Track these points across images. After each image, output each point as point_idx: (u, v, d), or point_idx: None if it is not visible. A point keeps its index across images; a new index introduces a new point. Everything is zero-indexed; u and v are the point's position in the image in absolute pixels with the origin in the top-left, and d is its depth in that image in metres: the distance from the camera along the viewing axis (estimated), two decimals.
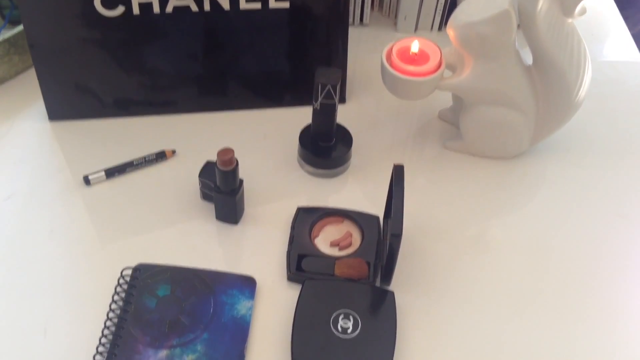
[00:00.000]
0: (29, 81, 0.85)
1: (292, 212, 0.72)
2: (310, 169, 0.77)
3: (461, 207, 0.75)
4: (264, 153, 0.79)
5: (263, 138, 0.81)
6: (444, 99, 0.83)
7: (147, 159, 0.76)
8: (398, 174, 0.63)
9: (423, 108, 0.85)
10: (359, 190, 0.76)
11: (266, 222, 0.72)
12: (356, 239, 0.70)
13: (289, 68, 0.82)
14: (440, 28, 0.97)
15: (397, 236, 0.59)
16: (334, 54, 0.83)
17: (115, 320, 0.62)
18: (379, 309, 0.63)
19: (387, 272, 0.63)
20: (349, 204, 0.73)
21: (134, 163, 0.76)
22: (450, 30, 0.71)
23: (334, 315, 0.62)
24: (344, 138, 0.77)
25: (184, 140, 0.80)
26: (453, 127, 0.83)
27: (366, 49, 0.93)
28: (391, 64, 0.73)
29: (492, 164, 0.79)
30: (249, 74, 0.82)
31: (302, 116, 0.79)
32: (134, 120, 0.82)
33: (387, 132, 0.83)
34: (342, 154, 0.76)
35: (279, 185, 0.76)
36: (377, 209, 0.72)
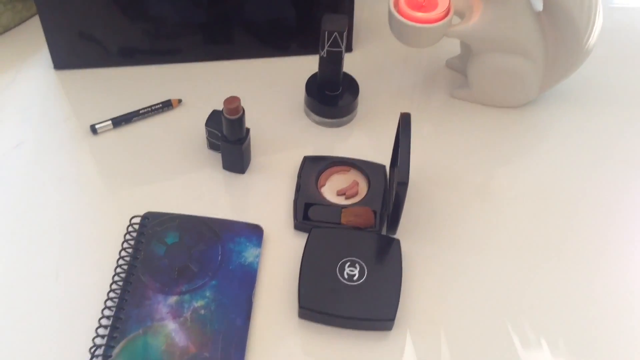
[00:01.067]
0: (33, 29, 0.84)
1: (299, 161, 0.72)
2: (317, 118, 0.77)
3: (468, 155, 0.75)
4: (270, 102, 0.79)
5: (269, 87, 0.80)
6: (452, 47, 0.81)
7: (153, 108, 0.76)
8: (405, 122, 0.63)
9: (431, 56, 0.84)
10: (365, 139, 0.76)
11: (273, 171, 0.72)
12: (363, 188, 0.71)
13: (295, 15, 0.81)
14: None
15: (404, 184, 0.59)
16: (341, 1, 0.81)
17: (125, 266, 0.63)
18: (385, 256, 0.63)
19: (393, 220, 0.64)
20: (356, 153, 0.73)
21: (140, 112, 0.76)
22: None
23: (340, 262, 0.62)
24: (351, 87, 0.77)
25: (189, 89, 0.79)
26: (461, 76, 0.82)
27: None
28: (398, 11, 0.72)
29: (500, 112, 0.78)
30: (254, 21, 0.81)
31: (308, 65, 0.78)
32: (139, 69, 0.81)
33: (394, 81, 0.82)
34: (349, 103, 0.76)
35: (286, 134, 0.76)
36: (384, 158, 0.72)
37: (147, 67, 0.81)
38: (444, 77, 0.82)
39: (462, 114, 0.78)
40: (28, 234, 0.66)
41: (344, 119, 0.77)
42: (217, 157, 0.73)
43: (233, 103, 0.65)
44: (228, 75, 0.81)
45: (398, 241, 0.64)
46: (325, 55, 0.71)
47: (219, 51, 0.83)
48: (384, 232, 0.67)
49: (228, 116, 0.66)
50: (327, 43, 0.70)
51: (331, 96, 0.76)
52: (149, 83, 0.80)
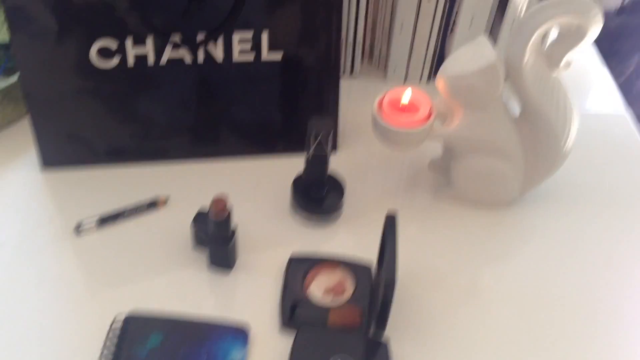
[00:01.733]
0: (22, 131, 0.85)
1: (284, 258, 0.72)
2: (303, 217, 0.77)
3: (453, 255, 0.75)
4: (256, 201, 0.79)
5: (256, 186, 0.81)
6: (435, 148, 0.84)
7: (138, 207, 0.76)
8: (390, 222, 0.64)
9: (414, 157, 0.86)
10: (351, 237, 0.76)
11: (259, 270, 0.72)
12: (349, 286, 0.70)
13: (281, 117, 0.84)
14: (429, 79, 0.99)
15: (391, 285, 0.59)
16: (326, 104, 0.84)
17: None
18: (375, 358, 0.62)
19: (381, 321, 0.63)
20: (342, 251, 0.73)
21: (126, 212, 0.76)
22: (439, 82, 0.72)
23: None
24: (336, 186, 0.78)
25: (176, 188, 0.80)
26: (443, 176, 0.83)
27: (357, 99, 0.94)
28: (382, 115, 0.74)
29: (484, 213, 0.80)
30: (241, 123, 0.83)
31: (294, 164, 0.80)
32: (127, 169, 0.82)
33: (379, 181, 0.84)
34: (334, 203, 0.77)
35: (272, 232, 0.76)
36: (370, 255, 0.72)
37: (135, 167, 0.82)
38: (427, 178, 0.84)
39: (446, 215, 0.79)
40: (6, 337, 0.64)
41: (330, 217, 0.77)
42: (202, 255, 0.72)
43: (220, 205, 0.66)
44: (215, 174, 0.82)
45: (386, 346, 0.63)
46: (310, 158, 0.73)
47: (206, 150, 0.84)
48: (372, 331, 0.66)
49: (215, 217, 0.66)
50: (313, 145, 0.72)
51: (317, 196, 0.77)
52: (136, 182, 0.80)
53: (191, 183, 0.81)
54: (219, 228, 0.67)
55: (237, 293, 0.70)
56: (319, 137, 0.71)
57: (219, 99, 0.81)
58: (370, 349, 0.63)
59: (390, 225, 0.64)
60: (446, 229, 0.78)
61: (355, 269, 0.71)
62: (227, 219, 0.67)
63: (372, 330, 0.66)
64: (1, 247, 0.72)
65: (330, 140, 0.71)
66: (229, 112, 0.82)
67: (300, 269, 0.71)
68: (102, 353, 0.62)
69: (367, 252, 0.72)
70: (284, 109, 0.83)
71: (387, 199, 0.81)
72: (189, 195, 0.79)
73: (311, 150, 0.72)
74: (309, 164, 0.74)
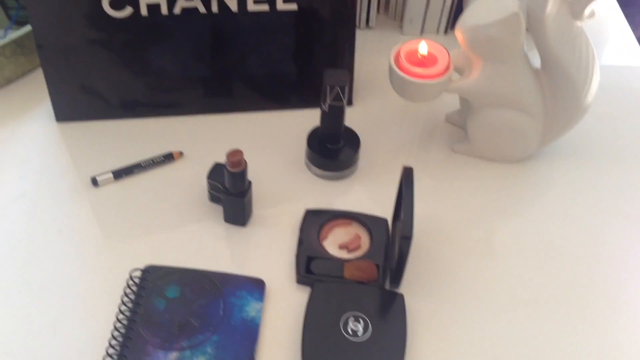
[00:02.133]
0: (36, 82, 0.85)
1: (300, 214, 0.72)
2: (318, 171, 0.77)
3: (468, 210, 0.75)
4: (271, 155, 0.79)
5: (270, 140, 0.81)
6: (451, 102, 0.83)
7: (154, 160, 0.76)
8: (407, 176, 0.63)
9: (430, 111, 0.85)
10: (366, 192, 0.76)
11: (274, 224, 0.72)
12: (365, 242, 0.70)
13: (295, 70, 0.82)
14: (446, 31, 0.97)
15: (407, 239, 0.59)
16: (341, 56, 0.83)
17: (125, 321, 0.61)
18: (389, 311, 0.63)
19: (397, 274, 0.63)
20: (357, 206, 0.73)
21: (142, 164, 0.76)
22: (458, 33, 0.71)
23: (344, 317, 0.62)
24: (352, 140, 0.77)
25: (191, 142, 0.80)
26: (460, 130, 0.83)
27: (372, 51, 0.93)
28: (399, 66, 0.73)
29: (500, 167, 0.79)
30: (255, 75, 0.82)
31: (308, 118, 0.79)
32: (141, 122, 0.82)
33: (394, 135, 0.83)
34: (350, 157, 0.76)
35: (287, 187, 0.76)
36: (385, 211, 0.72)
37: (149, 120, 0.82)
38: (443, 131, 0.83)
39: (462, 168, 0.79)
40: (26, 287, 0.65)
41: (345, 172, 0.77)
42: (218, 209, 0.72)
43: (236, 156, 0.65)
44: (229, 128, 0.82)
45: (402, 296, 0.64)
46: (327, 109, 0.72)
47: (220, 104, 0.83)
48: (387, 286, 0.66)
49: (231, 169, 0.66)
50: (330, 97, 0.71)
51: (332, 149, 0.76)
52: (150, 136, 0.80)
53: (205, 136, 0.80)
54: (235, 180, 0.67)
55: (253, 247, 0.70)
56: (336, 88, 0.69)
57: (233, 50, 0.80)
58: (386, 301, 0.63)
59: (407, 179, 0.63)
60: (462, 183, 0.77)
61: (370, 223, 0.71)
62: (244, 171, 0.66)
63: (387, 284, 0.67)
64: (20, 198, 0.73)
65: (346, 91, 0.70)
66: (243, 64, 0.81)
67: (315, 223, 0.71)
68: (121, 303, 0.63)
69: (383, 206, 0.72)
70: (299, 61, 0.82)
71: (403, 153, 0.81)
72: (204, 149, 0.78)
73: (328, 102, 0.71)
74: (325, 115, 0.73)
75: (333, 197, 0.76)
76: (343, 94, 0.70)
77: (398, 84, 0.74)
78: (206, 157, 0.74)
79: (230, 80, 0.82)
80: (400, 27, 0.97)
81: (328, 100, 0.71)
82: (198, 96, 0.82)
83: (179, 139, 0.80)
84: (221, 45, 0.79)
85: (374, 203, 0.74)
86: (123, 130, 0.81)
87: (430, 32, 0.97)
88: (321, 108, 0.73)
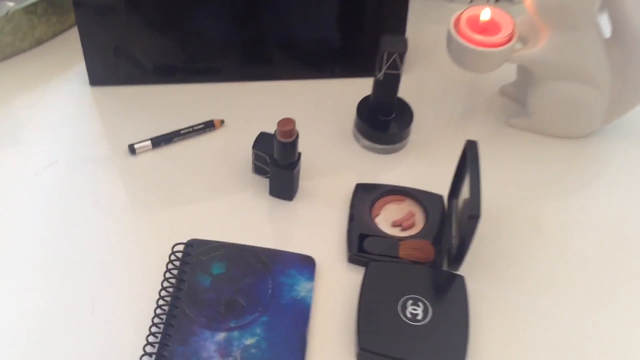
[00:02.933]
0: (67, 43, 0.80)
1: (348, 188, 0.68)
2: (368, 143, 0.72)
3: (526, 187, 0.70)
4: (315, 126, 0.74)
5: (315, 109, 0.76)
6: (506, 73, 0.77)
7: (194, 128, 0.72)
8: (472, 150, 0.59)
9: (483, 82, 0.80)
10: (417, 167, 0.72)
11: (322, 199, 0.68)
12: (419, 219, 0.66)
13: (340, 37, 0.77)
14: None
15: (475, 218, 0.55)
16: (392, 23, 0.77)
17: (169, 298, 0.58)
18: (450, 294, 0.59)
19: (458, 256, 0.59)
20: (408, 181, 0.69)
21: (182, 132, 0.71)
22: None
23: (402, 300, 0.58)
24: (404, 112, 0.73)
25: (230, 110, 0.75)
26: (516, 103, 0.78)
27: (419, 19, 0.87)
28: (459, 33, 0.68)
29: (560, 143, 0.74)
30: (297, 41, 0.77)
31: (355, 87, 0.74)
32: (177, 88, 0.77)
33: (446, 107, 0.78)
34: (402, 129, 0.72)
35: (334, 160, 0.72)
36: (439, 187, 0.67)
37: (185, 86, 0.77)
38: (497, 104, 0.78)
39: (519, 144, 0.74)
40: (61, 262, 0.62)
41: (397, 145, 0.72)
42: (262, 181, 0.68)
43: (288, 125, 0.61)
44: (270, 96, 0.77)
45: (463, 278, 0.60)
46: (382, 78, 0.67)
47: (259, 71, 0.79)
48: (444, 267, 0.62)
49: (281, 139, 0.61)
50: (386, 65, 0.66)
51: (384, 121, 0.72)
52: (187, 103, 0.76)
53: (246, 105, 0.76)
54: (285, 151, 0.63)
55: (300, 223, 0.66)
56: (393, 56, 0.65)
57: (274, 13, 0.75)
58: (446, 284, 0.59)
59: (471, 153, 0.59)
60: (519, 159, 0.73)
61: (425, 200, 0.67)
62: (294, 141, 0.62)
63: (445, 265, 0.62)
64: (53, 165, 0.69)
65: (404, 60, 0.66)
66: (284, 28, 0.76)
67: (367, 199, 0.66)
68: (164, 279, 0.59)
69: (436, 182, 0.68)
70: (345, 26, 0.77)
71: (455, 127, 0.76)
72: (245, 117, 0.74)
73: (383, 69, 0.66)
74: (379, 85, 0.69)
75: (383, 171, 0.71)
76: (401, 62, 0.65)
77: (457, 52, 0.69)
78: (248, 126, 0.70)
79: (271, 46, 0.78)
80: None
81: (384, 69, 0.66)
82: (237, 62, 0.78)
83: (218, 107, 0.75)
84: (263, 8, 0.74)
85: (426, 178, 0.70)
86: (159, 97, 0.76)
87: (481, 1, 0.91)
88: (375, 76, 0.68)
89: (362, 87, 0.73)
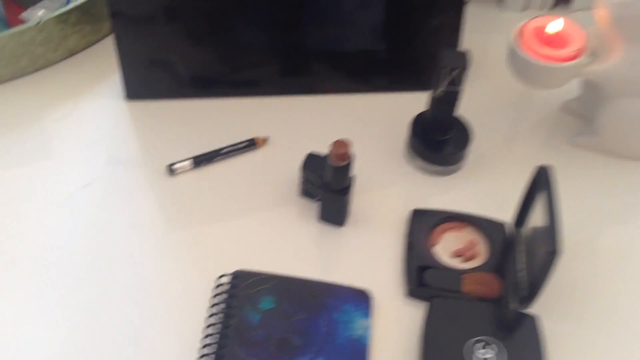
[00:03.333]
0: (101, 54, 0.76)
1: (401, 212, 0.63)
2: (422, 163, 0.67)
3: (597, 214, 0.65)
4: (364, 144, 0.69)
5: (364, 125, 0.71)
6: (567, 86, 0.72)
7: (237, 146, 0.67)
8: (546, 176, 0.54)
9: (543, 97, 0.75)
10: (475, 190, 0.67)
11: (374, 224, 0.63)
12: (481, 249, 0.61)
13: (388, 47, 0.72)
14: (553, 7, 0.86)
15: (555, 254, 0.50)
16: (444, 32, 0.72)
17: (215, 335, 0.53)
18: (522, 336, 0.54)
19: (531, 293, 0.54)
20: (466, 206, 0.64)
21: (223, 151, 0.67)
22: (601, 8, 0.60)
23: (470, 342, 0.52)
24: (460, 130, 0.68)
25: (272, 126, 0.70)
26: (580, 120, 0.72)
27: (471, 27, 0.82)
28: (523, 46, 0.63)
29: (632, 165, 0.68)
30: (342, 52, 0.72)
31: (401, 103, 0.70)
32: (216, 102, 0.73)
33: (504, 125, 0.73)
34: (460, 149, 0.67)
35: (385, 181, 0.67)
36: (500, 212, 0.62)
37: (225, 101, 0.73)
38: (560, 121, 0.73)
39: (588, 165, 0.69)
40: (100, 291, 0.57)
41: (453, 166, 0.67)
42: (310, 205, 0.64)
43: (342, 148, 0.56)
44: (314, 111, 0.73)
45: (533, 319, 0.54)
46: (440, 95, 0.62)
47: (302, 85, 0.74)
48: (513, 304, 0.57)
49: (335, 162, 0.57)
50: (445, 81, 0.61)
51: (439, 140, 0.67)
52: (227, 118, 0.71)
53: (289, 121, 0.71)
54: (338, 175, 0.58)
55: (352, 251, 0.61)
56: (454, 72, 0.60)
57: (317, 21, 0.70)
58: (518, 324, 0.54)
59: (545, 181, 0.54)
60: (587, 182, 0.67)
61: (486, 227, 0.62)
62: (349, 164, 0.57)
63: (512, 301, 0.57)
64: (89, 186, 0.64)
65: (464, 76, 0.61)
66: (327, 38, 0.71)
67: (424, 226, 0.61)
68: (209, 315, 0.54)
69: (496, 206, 0.63)
70: (394, 36, 0.72)
71: (516, 146, 0.71)
72: (289, 135, 0.69)
73: (442, 86, 0.61)
74: (436, 102, 0.64)
75: (437, 194, 0.66)
76: (462, 78, 0.60)
77: (520, 67, 0.64)
78: (292, 144, 0.66)
79: (314, 58, 0.73)
80: (500, 1, 0.87)
81: (443, 85, 0.61)
82: (279, 75, 0.73)
83: (259, 123, 0.71)
84: (306, 17, 0.69)
85: (485, 203, 0.65)
86: (197, 112, 0.72)
87: (534, 7, 0.86)
88: (432, 93, 0.63)
89: (413, 102, 0.68)
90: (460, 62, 0.60)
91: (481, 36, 0.80)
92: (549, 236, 0.50)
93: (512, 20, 0.84)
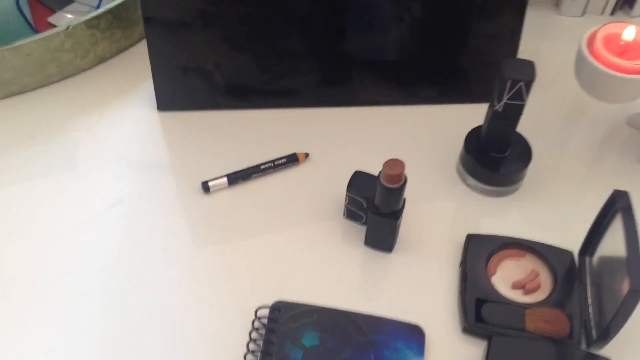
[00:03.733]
0: (132, 61, 0.72)
1: (455, 237, 0.58)
2: (476, 183, 0.62)
3: None
4: (412, 160, 0.63)
5: (412, 140, 0.66)
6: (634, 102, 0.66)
7: (276, 163, 0.62)
8: (624, 203, 0.48)
9: (606, 111, 0.69)
10: (535, 213, 0.61)
11: (424, 250, 0.58)
12: (544, 280, 0.55)
13: (438, 55, 0.67)
14: (613, 11, 0.79)
15: (638, 293, 0.44)
16: (502, 39, 0.67)
17: None
18: None
19: (606, 333, 0.48)
20: (524, 231, 0.58)
21: (261, 167, 0.62)
22: None
23: None
24: (520, 147, 0.62)
25: (313, 140, 0.66)
26: None
27: (529, 33, 0.76)
28: (594, 55, 0.57)
29: None
30: (385, 61, 0.67)
31: (453, 116, 0.65)
32: (253, 114, 0.68)
33: (564, 141, 0.67)
34: (519, 168, 0.61)
35: (436, 202, 0.61)
36: (563, 238, 0.56)
37: (262, 112, 0.68)
38: (627, 137, 0.67)
39: None
40: (129, 319, 0.53)
41: (511, 187, 0.62)
42: (356, 228, 0.58)
43: (397, 169, 0.51)
44: (357, 124, 0.68)
45: None
46: (501, 109, 0.57)
47: (344, 96, 0.69)
48: (584, 345, 0.51)
49: (387, 184, 0.51)
50: (508, 94, 0.55)
51: (496, 158, 0.61)
52: (265, 130, 0.67)
53: (331, 134, 0.66)
54: (390, 197, 0.53)
55: (401, 281, 0.56)
56: (519, 85, 0.54)
57: (360, 28, 0.65)
58: None
59: (624, 207, 0.48)
60: None
61: (550, 256, 0.56)
62: (403, 187, 0.52)
63: (582, 341, 0.51)
64: (120, 203, 0.60)
65: (530, 89, 0.55)
66: (371, 45, 0.66)
67: (481, 254, 0.56)
68: (247, 351, 0.50)
69: (558, 231, 0.57)
70: (444, 44, 0.67)
71: (578, 164, 0.65)
72: (332, 150, 0.65)
73: (504, 99, 0.55)
74: (496, 116, 0.58)
75: (493, 216, 0.61)
76: (528, 91, 0.55)
77: (590, 78, 0.58)
78: (335, 160, 0.62)
79: (357, 67, 0.68)
80: (556, 5, 0.81)
81: (505, 98, 0.55)
82: (319, 84, 0.68)
83: (299, 136, 0.66)
84: (349, 23, 0.64)
85: (546, 228, 0.59)
86: (233, 123, 0.67)
87: (595, 12, 0.80)
88: (492, 106, 0.58)
89: (463, 115, 0.63)
90: (527, 74, 0.55)
91: (538, 42, 0.74)
92: (632, 272, 0.44)
93: (571, 25, 0.78)
